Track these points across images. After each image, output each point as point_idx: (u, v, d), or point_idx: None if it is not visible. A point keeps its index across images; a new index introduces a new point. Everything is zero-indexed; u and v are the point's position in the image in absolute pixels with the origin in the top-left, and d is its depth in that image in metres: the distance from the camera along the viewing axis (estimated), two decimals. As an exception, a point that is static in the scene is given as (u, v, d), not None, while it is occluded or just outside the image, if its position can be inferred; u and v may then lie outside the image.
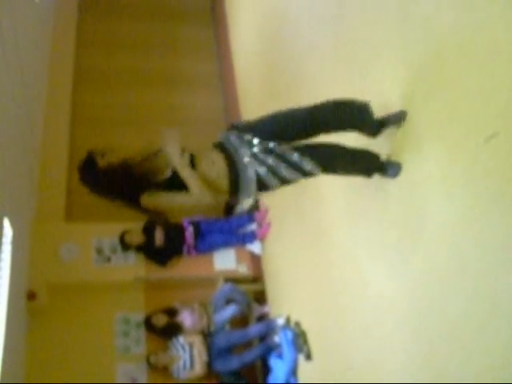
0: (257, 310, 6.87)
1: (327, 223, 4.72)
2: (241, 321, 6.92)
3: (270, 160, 3.16)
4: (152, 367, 6.65)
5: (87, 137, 8.40)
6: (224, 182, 3.21)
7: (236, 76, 8.64)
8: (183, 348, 6.53)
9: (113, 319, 7.06)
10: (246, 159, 3.18)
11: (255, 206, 7.10)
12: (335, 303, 4.63)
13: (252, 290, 7.11)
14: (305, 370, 5.44)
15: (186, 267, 7.14)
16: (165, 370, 6.60)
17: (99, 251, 7.12)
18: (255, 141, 3.23)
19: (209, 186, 3.16)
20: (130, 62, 9.40)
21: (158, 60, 9.55)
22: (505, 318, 2.46)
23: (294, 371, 5.57)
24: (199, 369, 6.45)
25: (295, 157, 3.17)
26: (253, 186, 3.19)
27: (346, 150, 3.41)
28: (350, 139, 3.53)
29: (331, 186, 4.59)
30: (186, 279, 7.21)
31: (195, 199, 3.12)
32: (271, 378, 5.91)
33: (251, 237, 7.09)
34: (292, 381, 5.57)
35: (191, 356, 6.46)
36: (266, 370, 6.18)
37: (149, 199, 3.14)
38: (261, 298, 7.01)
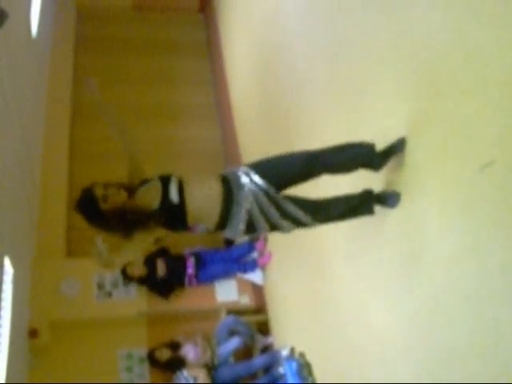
0: (261, 341, 6.82)
1: (328, 255, 4.71)
2: (245, 353, 6.87)
3: (267, 204, 3.19)
4: (156, 402, 6.59)
5: (86, 172, 8.42)
6: (214, 212, 3.21)
7: (233, 107, 8.69)
8: (187, 382, 6.46)
9: (116, 355, 7.01)
10: (246, 195, 3.20)
11: (256, 236, 7.09)
12: (339, 334, 4.61)
13: (255, 321, 7.07)
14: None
15: (188, 300, 7.11)
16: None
17: (100, 286, 7.09)
18: (258, 180, 3.24)
19: (196, 219, 3.21)
20: (127, 96, 9.44)
21: (155, 93, 9.60)
22: (508, 346, 2.44)
23: (299, 402, 5.52)
24: (204, 403, 6.38)
25: (291, 208, 3.22)
26: (242, 223, 3.20)
27: (340, 199, 3.47)
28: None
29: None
30: (189, 312, 7.18)
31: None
32: (277, 410, 5.86)
33: (252, 265, 7.07)
34: (298, 412, 5.51)
35: (196, 390, 6.40)
36: (272, 401, 6.11)
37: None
38: (264, 328, 6.96)
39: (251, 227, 3.23)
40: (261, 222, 3.21)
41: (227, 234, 3.30)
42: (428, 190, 3.06)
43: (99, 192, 3.11)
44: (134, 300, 7.07)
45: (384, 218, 3.59)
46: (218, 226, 3.26)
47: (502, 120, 2.44)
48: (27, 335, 6.49)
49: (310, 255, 5.16)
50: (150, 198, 3.19)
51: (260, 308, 7.18)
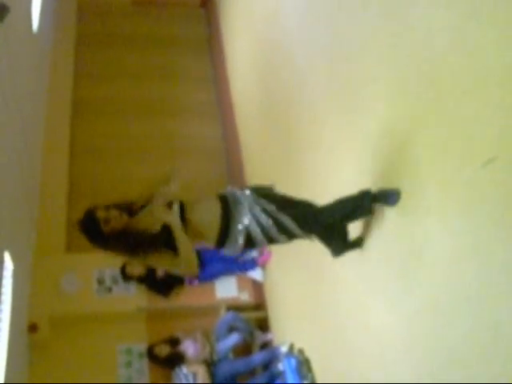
0: (260, 337, 6.83)
1: (328, 255, 4.70)
2: (244, 349, 6.88)
3: (265, 219, 3.31)
4: (155, 398, 6.60)
5: (86, 168, 8.44)
6: (213, 232, 3.35)
7: (234, 104, 8.69)
8: (187, 378, 6.47)
9: (115, 350, 7.02)
10: (244, 212, 3.32)
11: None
12: (338, 330, 4.61)
13: (254, 318, 7.07)
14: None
15: (187, 296, 7.12)
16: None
17: (100, 282, 7.10)
18: (256, 197, 3.39)
19: (196, 236, 3.34)
20: (128, 93, 9.44)
21: (156, 90, 9.59)
22: (508, 346, 2.45)
23: (298, 399, 5.53)
24: (203, 399, 6.40)
25: (289, 222, 3.33)
26: (241, 240, 3.31)
27: (336, 205, 3.57)
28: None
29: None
30: (188, 308, 7.19)
31: (181, 262, 3.31)
32: (276, 407, 5.87)
33: (252, 264, 7.08)
34: (297, 409, 5.53)
35: (195, 386, 6.41)
36: (271, 398, 6.13)
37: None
38: (264, 325, 6.97)
39: (250, 243, 3.35)
40: (259, 237, 3.33)
41: (227, 251, 3.41)
42: (428, 190, 3.06)
43: (101, 214, 3.22)
44: (134, 296, 7.08)
45: (384, 218, 3.59)
46: (217, 244, 3.39)
47: (502, 119, 2.45)
48: (27, 330, 6.51)
49: (310, 254, 5.15)
50: (151, 219, 3.29)
51: (260, 305, 7.18)
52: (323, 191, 4.79)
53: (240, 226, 3.31)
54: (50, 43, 9.44)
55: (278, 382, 5.88)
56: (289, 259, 6.07)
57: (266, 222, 3.31)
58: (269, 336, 6.79)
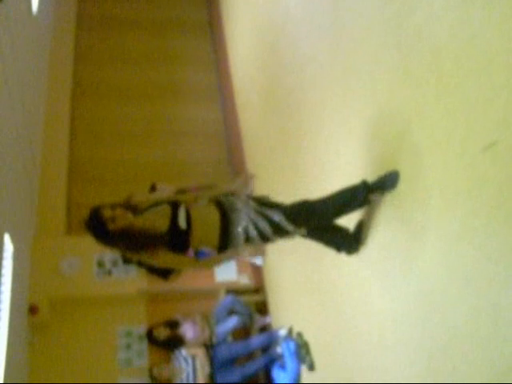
0: (259, 321, 6.86)
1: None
2: (243, 332, 6.92)
3: (261, 221, 3.48)
4: (154, 380, 6.63)
5: (87, 150, 8.43)
6: (214, 237, 3.49)
7: (234, 87, 8.66)
8: (186, 360, 6.51)
9: (115, 332, 7.05)
10: (241, 216, 3.48)
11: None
12: (337, 314, 4.63)
13: (254, 301, 7.10)
14: (308, 380, 5.43)
15: (187, 279, 7.13)
16: (167, 382, 6.58)
17: (100, 264, 7.12)
18: (250, 200, 3.58)
19: (199, 239, 3.47)
20: (129, 75, 9.42)
21: (157, 73, 9.57)
22: (508, 329, 2.46)
23: (297, 382, 5.56)
24: (202, 381, 6.43)
25: (284, 223, 3.49)
26: (241, 240, 3.48)
27: (333, 198, 3.67)
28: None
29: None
30: (188, 291, 7.21)
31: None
32: (274, 390, 5.90)
33: None
34: (295, 392, 5.56)
35: (194, 368, 6.44)
36: (269, 381, 6.16)
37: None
38: (263, 308, 7.00)
39: (248, 243, 3.52)
40: (256, 238, 3.49)
41: (230, 250, 3.54)
42: (429, 174, 3.06)
43: (107, 213, 3.32)
44: (134, 278, 7.10)
45: (385, 199, 3.60)
46: (219, 248, 3.52)
47: (505, 102, 2.44)
48: (27, 312, 6.53)
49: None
50: (158, 220, 3.42)
51: (259, 288, 7.21)
52: (322, 175, 4.79)
53: (239, 230, 3.47)
54: (50, 25, 9.40)
55: (277, 364, 5.91)
56: (288, 243, 6.07)
57: (262, 223, 3.47)
58: (268, 319, 6.82)
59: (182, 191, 3.75)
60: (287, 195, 5.89)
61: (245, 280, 7.23)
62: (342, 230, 3.96)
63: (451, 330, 2.91)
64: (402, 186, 3.39)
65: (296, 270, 5.79)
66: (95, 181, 8.16)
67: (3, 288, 5.55)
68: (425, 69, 3.12)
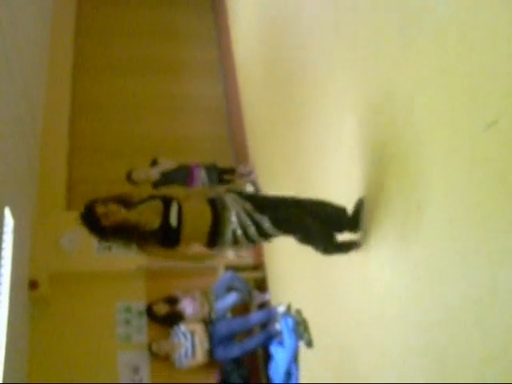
0: (258, 297, 6.89)
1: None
2: (242, 309, 6.94)
3: (249, 223, 3.58)
4: (153, 355, 6.68)
5: (87, 125, 8.41)
6: (204, 234, 3.58)
7: (236, 63, 8.62)
8: (185, 336, 6.55)
9: (114, 308, 7.09)
10: (230, 216, 3.58)
11: (256, 190, 7.09)
12: (335, 291, 4.64)
13: (253, 278, 7.12)
14: (306, 357, 5.46)
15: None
16: (166, 358, 6.63)
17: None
18: (239, 199, 3.68)
19: (189, 236, 3.57)
20: (130, 50, 9.37)
21: (158, 48, 9.52)
22: (505, 304, 2.46)
23: (295, 359, 5.59)
24: (201, 357, 6.47)
25: (268, 227, 3.61)
26: (229, 242, 3.59)
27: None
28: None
29: (332, 178, 4.59)
30: (187, 268, 7.22)
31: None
32: (272, 366, 5.93)
33: None
34: (293, 368, 5.59)
35: (193, 344, 6.48)
36: (267, 357, 6.19)
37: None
38: (262, 285, 7.03)
39: (235, 244, 3.64)
40: (242, 239, 3.60)
41: (216, 250, 3.70)
42: (432, 147, 3.04)
43: (100, 210, 3.45)
44: (134, 255, 7.09)
45: (385, 173, 3.59)
46: (208, 245, 3.62)
47: (509, 78, 2.42)
48: (27, 287, 6.56)
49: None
50: (150, 216, 3.53)
51: (258, 265, 7.22)
52: (323, 150, 4.78)
53: (229, 229, 3.57)
54: (51, 0, 9.31)
55: (275, 341, 5.94)
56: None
57: (248, 224, 3.58)
58: (267, 296, 6.85)
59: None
60: (288, 171, 5.90)
61: (244, 257, 7.24)
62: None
63: (448, 308, 2.91)
64: (401, 160, 3.38)
65: (295, 248, 5.77)
66: (96, 156, 8.15)
67: (3, 262, 5.56)
68: (428, 44, 3.08)
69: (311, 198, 3.97)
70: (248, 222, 3.58)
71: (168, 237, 3.53)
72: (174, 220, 3.51)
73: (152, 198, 3.65)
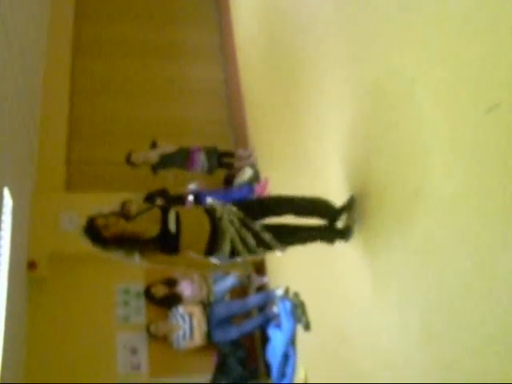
0: (256, 280, 6.90)
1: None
2: (240, 291, 6.97)
3: (245, 233, 3.69)
4: (152, 336, 6.72)
5: (87, 106, 8.39)
6: (201, 244, 3.70)
7: (236, 47, 8.58)
8: (183, 318, 6.58)
9: (113, 289, 7.11)
10: (227, 224, 3.69)
11: (256, 178, 7.09)
12: (334, 275, 4.66)
13: (251, 261, 7.12)
14: (303, 340, 5.49)
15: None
16: (164, 339, 6.66)
17: (99, 221, 7.12)
18: (235, 210, 3.78)
19: (188, 243, 3.68)
20: (130, 33, 9.32)
21: (159, 31, 9.47)
22: (503, 288, 2.47)
23: (292, 341, 5.62)
24: (198, 338, 6.51)
25: (266, 236, 3.72)
26: (227, 251, 3.69)
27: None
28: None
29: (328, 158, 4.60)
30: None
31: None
32: (270, 348, 5.96)
33: (249, 191, 7.01)
34: (290, 351, 5.62)
35: (191, 326, 6.51)
36: (265, 340, 6.23)
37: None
38: (260, 268, 7.04)
39: (233, 253, 3.73)
40: (240, 248, 3.70)
41: (214, 260, 3.81)
42: (432, 132, 3.04)
43: (100, 222, 3.59)
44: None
45: (382, 155, 3.59)
46: (205, 253, 3.75)
47: (510, 62, 2.41)
48: (26, 267, 6.57)
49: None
50: (148, 224, 3.68)
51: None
52: (323, 135, 4.77)
53: (227, 240, 3.68)
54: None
55: (273, 324, 5.97)
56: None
57: (246, 235, 3.69)
58: (265, 279, 6.87)
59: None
60: (287, 154, 5.90)
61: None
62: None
63: (446, 291, 2.92)
64: (402, 143, 3.37)
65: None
66: (95, 137, 8.14)
67: (2, 243, 5.57)
68: (431, 27, 3.07)
69: (302, 196, 4.08)
70: (244, 231, 3.71)
71: (167, 243, 3.67)
72: (172, 226, 3.65)
73: (149, 208, 3.83)
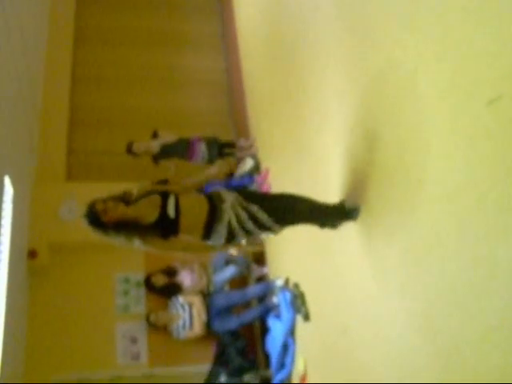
0: (256, 271, 6.92)
1: (327, 195, 4.71)
2: (240, 282, 6.98)
3: (245, 216, 3.74)
4: (151, 326, 6.73)
5: (88, 96, 8.37)
6: (199, 225, 3.73)
7: (238, 37, 8.55)
8: (183, 308, 6.59)
9: (113, 278, 7.13)
10: (227, 206, 3.74)
11: (256, 168, 7.09)
12: (334, 265, 4.66)
13: (251, 252, 7.14)
14: (303, 330, 5.50)
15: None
16: (164, 329, 6.68)
17: (100, 210, 7.12)
18: (237, 195, 3.84)
19: (186, 227, 3.71)
20: (132, 22, 9.30)
21: (160, 20, 9.44)
22: (503, 280, 2.47)
23: (291, 332, 5.63)
24: (198, 328, 6.52)
25: (265, 218, 3.77)
26: (224, 235, 3.73)
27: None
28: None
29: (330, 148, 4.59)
30: (187, 239, 7.23)
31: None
32: (269, 339, 5.98)
33: (250, 180, 7.02)
34: (290, 341, 5.63)
35: (190, 316, 6.52)
36: (264, 330, 6.24)
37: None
38: (260, 259, 7.05)
39: (231, 237, 3.77)
40: (239, 232, 3.75)
41: (211, 242, 3.82)
42: (433, 124, 3.04)
43: (99, 207, 3.59)
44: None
45: (384, 150, 3.58)
46: (203, 237, 3.77)
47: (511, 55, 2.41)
48: (26, 256, 6.58)
49: (309, 192, 5.16)
50: (148, 209, 3.69)
51: (257, 239, 7.23)
52: (323, 125, 4.77)
53: (225, 220, 3.71)
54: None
55: (273, 314, 5.98)
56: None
57: (244, 217, 3.73)
58: (265, 270, 6.88)
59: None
60: (288, 145, 5.89)
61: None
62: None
63: (446, 285, 2.93)
64: (402, 136, 3.37)
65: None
66: (96, 127, 8.13)
67: (3, 231, 5.58)
68: (432, 19, 3.06)
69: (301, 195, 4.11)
70: (242, 212, 3.74)
71: (166, 228, 3.68)
72: (171, 211, 3.67)
73: (150, 193, 3.80)
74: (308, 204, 4.01)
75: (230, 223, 3.72)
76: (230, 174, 7.45)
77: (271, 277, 6.62)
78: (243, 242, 3.89)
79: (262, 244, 7.06)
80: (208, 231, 3.74)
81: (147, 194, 3.80)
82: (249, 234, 3.80)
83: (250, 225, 3.74)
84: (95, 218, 3.60)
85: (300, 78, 5.49)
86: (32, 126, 7.19)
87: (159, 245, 3.74)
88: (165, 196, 3.74)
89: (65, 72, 8.41)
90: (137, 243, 3.68)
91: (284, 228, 3.95)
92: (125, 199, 3.71)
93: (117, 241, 3.70)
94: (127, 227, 3.64)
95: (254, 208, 3.76)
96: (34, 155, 7.28)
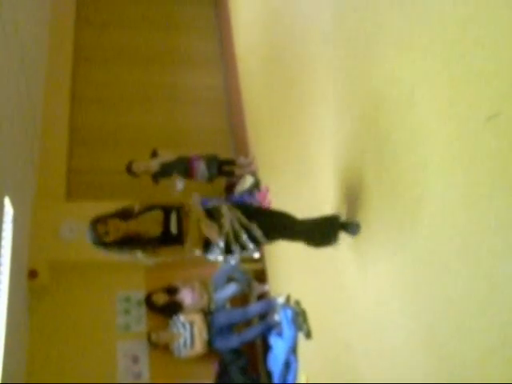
0: (257, 288, 6.90)
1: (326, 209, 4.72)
2: (241, 299, 6.96)
3: (239, 229, 3.82)
4: (153, 345, 6.70)
5: (87, 114, 8.40)
6: (200, 238, 3.81)
7: (237, 55, 8.60)
8: (184, 326, 6.57)
9: (114, 297, 7.10)
10: (226, 221, 3.82)
11: (256, 186, 7.09)
12: (335, 282, 4.65)
13: (252, 269, 7.12)
14: (304, 348, 5.48)
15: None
16: (165, 347, 6.65)
17: (100, 229, 7.11)
18: (234, 210, 3.92)
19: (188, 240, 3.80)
20: (131, 40, 9.35)
21: (159, 38, 9.50)
22: (504, 298, 2.47)
23: (293, 349, 5.61)
24: (199, 347, 6.49)
25: (258, 233, 3.85)
26: (222, 244, 3.80)
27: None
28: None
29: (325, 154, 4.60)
30: (187, 258, 7.21)
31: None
32: (271, 357, 5.95)
33: (249, 197, 7.02)
34: (292, 359, 5.61)
35: (192, 334, 6.50)
36: (266, 348, 6.22)
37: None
38: (261, 276, 7.03)
39: (227, 250, 3.86)
40: (233, 244, 3.82)
41: (209, 256, 3.96)
42: (432, 140, 3.05)
43: (101, 229, 3.67)
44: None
45: (382, 169, 3.59)
46: (203, 251, 3.90)
47: (510, 72, 2.42)
48: (27, 276, 6.57)
49: (308, 207, 5.16)
50: (151, 225, 3.77)
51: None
52: (322, 141, 4.78)
53: (222, 234, 3.81)
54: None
55: (274, 332, 5.96)
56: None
57: (240, 230, 3.82)
58: (266, 287, 6.86)
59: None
60: (287, 162, 5.90)
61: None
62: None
63: (447, 301, 2.92)
64: (401, 152, 3.38)
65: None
66: (96, 146, 8.15)
67: (3, 251, 5.57)
68: (431, 36, 3.08)
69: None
70: (239, 228, 3.82)
71: (169, 243, 3.79)
72: (174, 228, 3.77)
73: (152, 207, 3.86)
74: (305, 225, 4.11)
75: (226, 237, 3.81)
76: (230, 192, 7.45)
77: (272, 294, 6.60)
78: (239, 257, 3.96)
79: (262, 261, 7.06)
80: (207, 245, 3.84)
81: (149, 208, 3.85)
82: (243, 249, 3.88)
83: (244, 239, 3.83)
84: (97, 239, 3.68)
85: (298, 95, 5.51)
86: (32, 145, 7.20)
87: (163, 253, 3.81)
88: (167, 212, 3.81)
89: (64, 91, 8.44)
90: (139, 256, 3.76)
91: (272, 243, 4.08)
92: (125, 214, 3.77)
93: (120, 255, 3.80)
94: (130, 243, 3.73)
95: (253, 225, 3.84)
96: (34, 175, 7.29)
